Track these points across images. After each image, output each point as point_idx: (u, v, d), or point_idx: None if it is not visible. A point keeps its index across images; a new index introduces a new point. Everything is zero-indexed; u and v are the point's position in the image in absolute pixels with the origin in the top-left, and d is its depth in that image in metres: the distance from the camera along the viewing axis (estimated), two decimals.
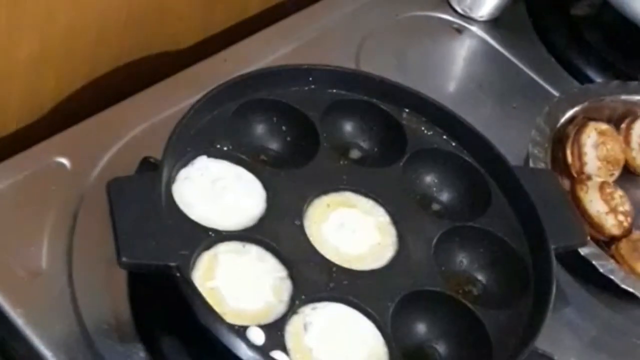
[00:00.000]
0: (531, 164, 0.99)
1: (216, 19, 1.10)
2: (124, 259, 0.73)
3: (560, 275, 0.93)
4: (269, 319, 0.77)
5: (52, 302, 0.81)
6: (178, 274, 0.74)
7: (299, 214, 0.84)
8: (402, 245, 0.85)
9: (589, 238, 0.93)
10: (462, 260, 0.88)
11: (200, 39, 1.10)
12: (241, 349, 0.72)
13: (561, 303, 0.94)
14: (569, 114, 1.07)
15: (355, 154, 0.93)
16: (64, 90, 0.99)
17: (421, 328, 0.83)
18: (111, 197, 0.76)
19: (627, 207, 1.01)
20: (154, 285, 0.80)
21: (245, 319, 0.76)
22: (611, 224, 0.99)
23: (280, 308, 0.78)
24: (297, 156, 0.89)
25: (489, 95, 1.14)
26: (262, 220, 0.82)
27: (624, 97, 1.11)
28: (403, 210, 0.88)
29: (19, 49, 0.90)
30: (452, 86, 1.15)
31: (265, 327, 0.76)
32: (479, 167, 0.93)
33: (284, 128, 0.90)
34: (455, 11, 1.20)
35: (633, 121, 1.10)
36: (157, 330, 0.81)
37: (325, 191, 0.87)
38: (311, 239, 0.83)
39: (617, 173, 1.06)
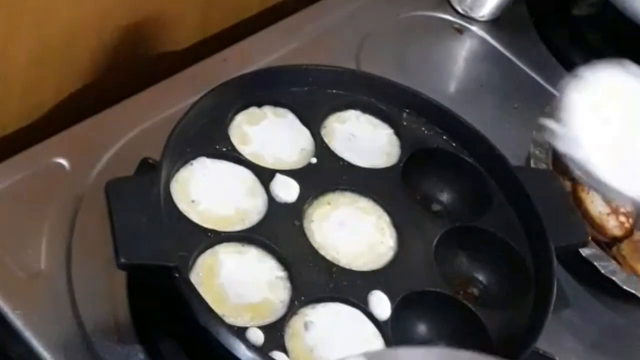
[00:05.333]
0: (532, 165, 0.99)
1: (216, 19, 1.10)
2: (122, 259, 0.73)
3: (561, 276, 0.92)
4: (270, 318, 0.77)
5: (51, 303, 0.81)
6: (177, 275, 0.74)
7: (299, 214, 0.84)
8: (402, 246, 0.85)
9: (590, 239, 0.93)
10: (463, 260, 0.88)
11: (200, 39, 1.09)
12: (240, 349, 0.72)
13: (562, 304, 0.93)
14: None
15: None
16: (64, 91, 0.98)
17: (421, 328, 0.83)
18: (110, 198, 0.75)
19: (628, 208, 1.01)
20: (153, 286, 0.80)
21: (246, 317, 0.76)
22: (613, 225, 0.99)
23: (280, 308, 0.78)
24: None
25: (490, 95, 1.14)
26: (262, 221, 0.82)
27: None
28: (403, 210, 0.88)
29: (19, 50, 0.89)
30: (452, 86, 1.15)
31: (264, 328, 0.76)
32: (480, 168, 0.92)
33: None
34: (456, 11, 1.20)
35: None
36: (157, 331, 0.81)
37: (325, 191, 0.86)
38: (311, 239, 0.83)
39: None
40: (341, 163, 0.89)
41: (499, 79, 1.16)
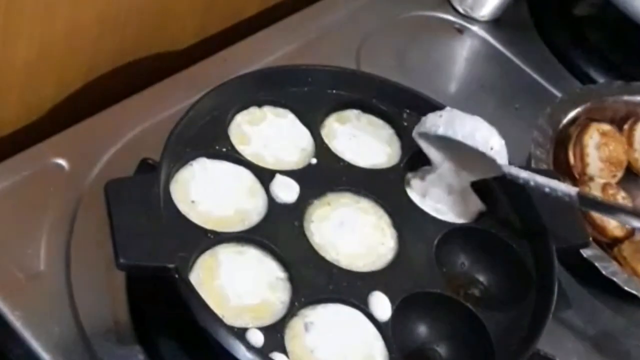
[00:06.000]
0: (533, 165, 0.99)
1: (216, 18, 1.10)
2: (122, 260, 0.73)
3: (562, 277, 0.92)
4: (270, 319, 0.77)
5: (50, 304, 0.80)
6: (176, 276, 0.74)
7: (299, 215, 0.83)
8: (402, 247, 0.85)
9: (591, 239, 0.93)
10: (464, 261, 0.88)
11: (200, 39, 1.09)
12: (240, 351, 0.72)
13: (563, 305, 0.93)
14: (571, 114, 1.07)
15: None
16: (64, 90, 0.98)
17: (422, 330, 0.83)
18: (109, 199, 0.75)
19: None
20: (153, 287, 0.80)
21: (246, 318, 0.76)
22: (614, 226, 0.99)
23: (280, 309, 0.78)
24: None
25: (491, 95, 1.14)
26: (262, 222, 0.82)
27: (626, 97, 1.11)
28: (404, 211, 0.87)
29: (18, 49, 0.89)
30: (453, 87, 1.15)
31: (264, 329, 0.75)
32: None
33: None
34: (457, 11, 1.20)
35: (636, 122, 1.10)
36: (156, 332, 0.80)
37: (326, 191, 0.86)
38: (311, 240, 0.83)
39: (619, 174, 1.06)
40: (341, 163, 0.89)
41: (499, 79, 1.16)
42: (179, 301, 0.74)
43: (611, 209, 0.88)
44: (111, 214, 0.75)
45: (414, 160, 0.92)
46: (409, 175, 0.90)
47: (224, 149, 0.85)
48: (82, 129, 0.92)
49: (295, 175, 0.86)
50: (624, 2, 1.14)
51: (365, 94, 0.93)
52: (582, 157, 1.04)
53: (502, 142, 0.85)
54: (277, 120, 0.90)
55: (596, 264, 0.93)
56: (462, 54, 1.18)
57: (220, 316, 0.74)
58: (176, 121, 0.82)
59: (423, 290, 0.83)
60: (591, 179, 1.02)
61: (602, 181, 1.01)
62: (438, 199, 0.88)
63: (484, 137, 0.85)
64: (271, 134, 0.89)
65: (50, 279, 0.82)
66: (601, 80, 1.16)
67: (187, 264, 0.76)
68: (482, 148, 0.84)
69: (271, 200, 0.84)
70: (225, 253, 0.79)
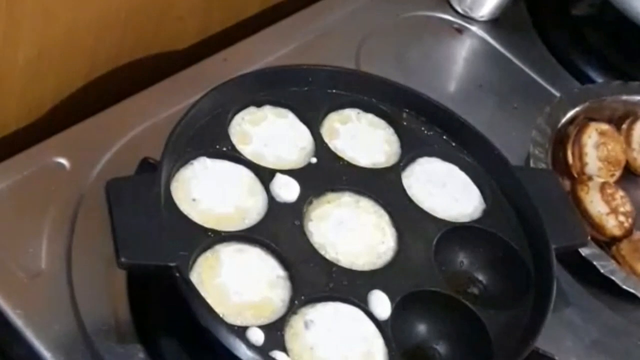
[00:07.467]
0: (532, 164, 0.99)
1: (216, 19, 1.10)
2: (123, 259, 0.73)
3: (561, 275, 0.93)
4: (271, 317, 0.77)
5: (52, 302, 0.81)
6: (177, 275, 0.74)
7: (299, 214, 0.84)
8: (402, 245, 0.85)
9: (589, 238, 0.93)
10: (463, 260, 0.88)
11: (200, 39, 1.10)
12: (240, 349, 0.72)
13: (562, 303, 0.93)
14: (570, 114, 1.07)
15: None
16: (64, 90, 0.99)
17: (421, 328, 0.83)
18: (110, 198, 0.76)
19: (628, 207, 1.01)
20: (154, 285, 0.80)
21: (247, 317, 0.76)
22: (612, 225, 0.99)
23: (280, 308, 0.78)
24: None
25: (490, 95, 1.14)
26: (262, 221, 0.82)
27: (625, 97, 1.11)
28: (403, 210, 0.88)
29: (19, 49, 0.90)
30: (452, 86, 1.15)
31: (264, 328, 0.76)
32: (480, 168, 0.92)
33: None
34: (456, 11, 1.20)
35: (634, 122, 1.10)
36: (157, 330, 0.81)
37: (325, 191, 0.87)
38: (311, 239, 0.83)
39: (618, 174, 1.06)
40: (341, 163, 0.89)
41: (498, 79, 1.16)
42: (180, 300, 0.74)
43: None
44: (112, 213, 0.75)
45: (413, 160, 0.92)
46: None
47: (225, 149, 0.86)
48: (83, 129, 0.93)
49: (296, 174, 0.86)
50: (622, 2, 1.15)
51: (365, 93, 0.94)
52: (580, 156, 1.04)
53: None
54: (278, 119, 0.90)
55: (595, 263, 0.94)
56: (461, 54, 1.18)
57: (221, 315, 0.74)
58: (176, 121, 0.83)
59: (422, 288, 0.83)
60: (590, 178, 1.02)
61: (601, 180, 1.02)
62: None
63: None
64: (271, 134, 0.89)
65: (51, 278, 0.82)
66: (600, 80, 1.17)
67: (188, 263, 0.77)
68: None
69: (271, 199, 0.84)
70: (225, 252, 0.79)
